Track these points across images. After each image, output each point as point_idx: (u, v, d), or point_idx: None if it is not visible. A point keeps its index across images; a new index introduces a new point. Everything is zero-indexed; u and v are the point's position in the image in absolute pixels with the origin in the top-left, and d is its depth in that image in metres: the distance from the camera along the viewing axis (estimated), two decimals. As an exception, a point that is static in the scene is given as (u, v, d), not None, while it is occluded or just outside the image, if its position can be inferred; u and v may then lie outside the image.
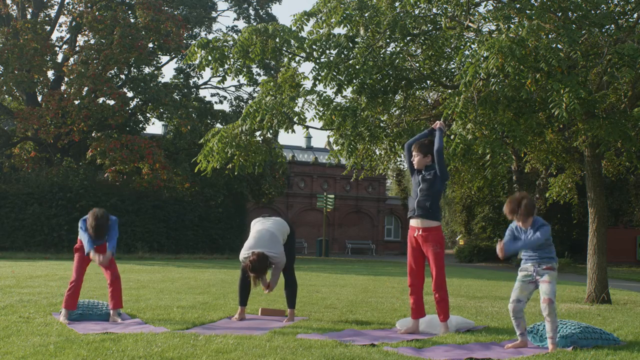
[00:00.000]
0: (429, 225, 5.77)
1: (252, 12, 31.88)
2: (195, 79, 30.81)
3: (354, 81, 8.25)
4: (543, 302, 5.00)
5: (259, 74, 28.76)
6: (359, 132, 8.36)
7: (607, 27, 8.30)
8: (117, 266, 6.22)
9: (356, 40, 8.54)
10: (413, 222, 5.86)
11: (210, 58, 8.46)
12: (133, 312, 6.53)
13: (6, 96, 27.66)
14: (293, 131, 8.99)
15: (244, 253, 6.19)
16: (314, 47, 8.40)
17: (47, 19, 27.87)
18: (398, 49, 9.09)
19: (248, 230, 6.71)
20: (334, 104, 8.43)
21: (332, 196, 33.39)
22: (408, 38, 8.76)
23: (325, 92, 8.54)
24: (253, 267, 6.01)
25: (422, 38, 8.86)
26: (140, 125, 28.97)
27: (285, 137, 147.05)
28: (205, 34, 31.26)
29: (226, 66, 8.71)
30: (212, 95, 44.79)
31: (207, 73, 45.41)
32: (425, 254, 5.81)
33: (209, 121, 28.89)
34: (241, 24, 64.43)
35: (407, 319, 6.05)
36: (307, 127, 10.51)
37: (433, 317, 6.07)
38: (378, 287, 11.19)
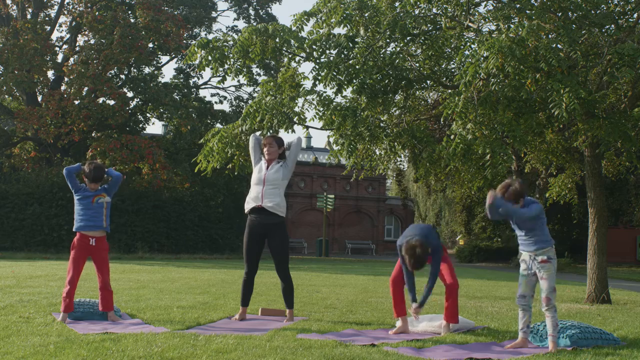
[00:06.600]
0: None
1: (252, 12, 31.90)
2: (195, 79, 30.83)
3: (354, 81, 8.25)
4: (542, 300, 5.07)
5: (259, 74, 28.78)
6: (359, 132, 8.36)
7: (607, 27, 8.30)
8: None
9: (356, 40, 8.54)
10: None
11: (210, 58, 8.46)
12: (133, 312, 6.53)
13: (6, 96, 27.65)
14: (293, 131, 8.99)
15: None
16: (314, 47, 8.40)
17: (47, 19, 27.84)
18: (398, 49, 9.09)
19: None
20: (334, 104, 8.43)
21: (332, 196, 33.38)
22: (408, 38, 8.76)
23: (325, 92, 8.55)
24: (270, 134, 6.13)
25: (422, 38, 8.86)
26: (140, 125, 28.96)
27: (285, 137, 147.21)
28: (205, 34, 31.27)
29: (226, 66, 8.71)
30: (212, 95, 44.84)
31: (207, 73, 45.41)
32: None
33: (209, 121, 28.88)
34: (241, 24, 64.42)
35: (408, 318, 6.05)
36: (307, 127, 10.51)
37: (433, 317, 6.08)
38: (378, 287, 11.18)
